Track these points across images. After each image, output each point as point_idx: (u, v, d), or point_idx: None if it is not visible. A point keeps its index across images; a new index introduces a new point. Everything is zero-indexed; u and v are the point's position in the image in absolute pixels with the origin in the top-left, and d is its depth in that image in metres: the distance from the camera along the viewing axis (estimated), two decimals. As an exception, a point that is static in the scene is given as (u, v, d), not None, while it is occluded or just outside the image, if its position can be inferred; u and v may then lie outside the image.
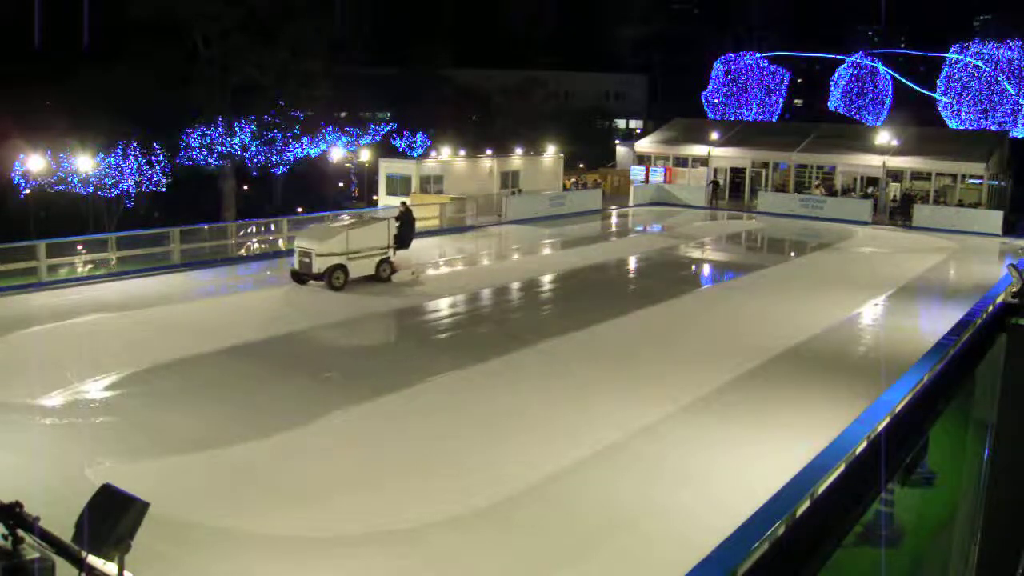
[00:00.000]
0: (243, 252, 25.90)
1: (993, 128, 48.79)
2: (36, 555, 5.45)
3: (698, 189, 44.28)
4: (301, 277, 20.66)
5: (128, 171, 34.66)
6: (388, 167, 36.99)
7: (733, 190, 45.77)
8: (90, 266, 22.45)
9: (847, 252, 30.88)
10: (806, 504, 7.11)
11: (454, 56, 75.36)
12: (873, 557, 8.75)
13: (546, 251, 30.41)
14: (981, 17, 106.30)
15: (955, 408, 11.66)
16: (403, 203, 23.90)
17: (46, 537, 5.71)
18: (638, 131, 76.91)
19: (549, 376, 14.76)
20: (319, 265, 20.13)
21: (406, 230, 22.62)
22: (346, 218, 24.85)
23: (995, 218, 35.77)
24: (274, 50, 39.37)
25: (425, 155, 47.71)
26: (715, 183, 44.39)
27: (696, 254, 30.76)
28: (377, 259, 21.26)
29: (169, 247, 23.50)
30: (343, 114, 52.60)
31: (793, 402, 13.49)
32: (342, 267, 20.36)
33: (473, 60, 78.51)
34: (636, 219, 40.10)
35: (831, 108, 58.19)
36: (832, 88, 58.58)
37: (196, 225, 25.20)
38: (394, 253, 21.75)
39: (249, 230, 27.08)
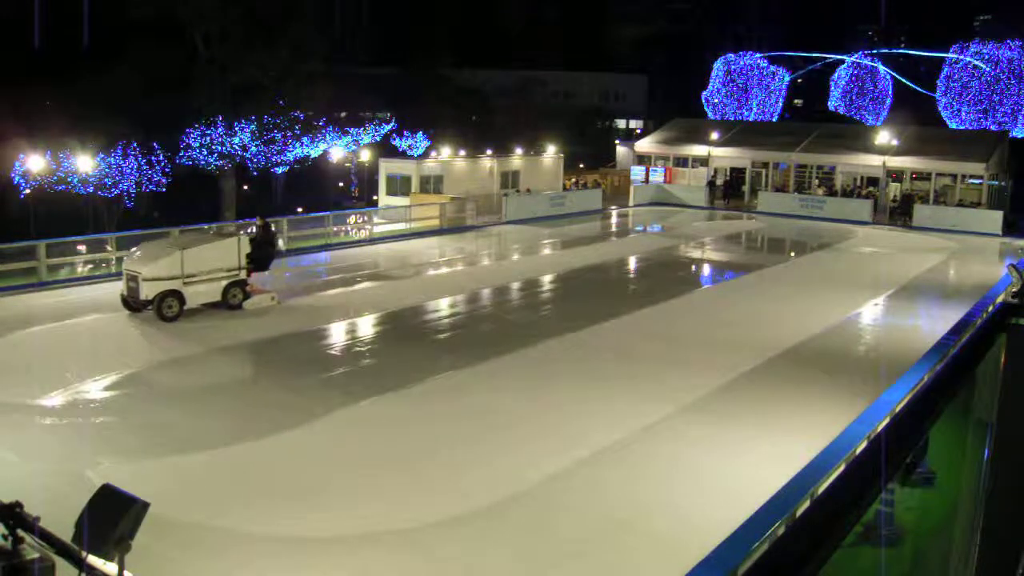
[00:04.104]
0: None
1: (993, 128, 48.76)
2: (36, 555, 5.46)
3: (698, 189, 44.28)
4: (129, 304, 17.87)
5: (128, 171, 34.58)
6: (388, 167, 37.02)
7: (733, 190, 45.73)
8: (90, 266, 22.44)
9: (847, 252, 30.87)
10: (806, 504, 7.11)
11: (454, 56, 75.28)
12: (873, 557, 8.73)
13: (546, 251, 30.39)
14: (981, 17, 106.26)
15: (955, 408, 11.65)
16: (261, 219, 21.50)
17: (46, 537, 5.72)
18: (638, 131, 76.88)
19: (549, 376, 14.75)
20: (147, 291, 17.35)
21: (265, 250, 20.19)
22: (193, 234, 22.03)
23: (995, 218, 35.77)
24: (274, 50, 39.32)
25: (425, 155, 47.68)
26: (712, 183, 44.38)
27: (696, 254, 30.75)
28: (224, 283, 18.43)
29: (169, 247, 23.45)
30: (343, 114, 52.54)
31: (793, 402, 13.48)
32: (176, 293, 17.57)
33: (473, 60, 78.41)
34: (636, 219, 40.08)
35: (831, 108, 58.17)
36: (832, 88, 58.55)
37: (196, 225, 25.18)
38: (248, 275, 19.05)
39: (249, 230, 26.98)
